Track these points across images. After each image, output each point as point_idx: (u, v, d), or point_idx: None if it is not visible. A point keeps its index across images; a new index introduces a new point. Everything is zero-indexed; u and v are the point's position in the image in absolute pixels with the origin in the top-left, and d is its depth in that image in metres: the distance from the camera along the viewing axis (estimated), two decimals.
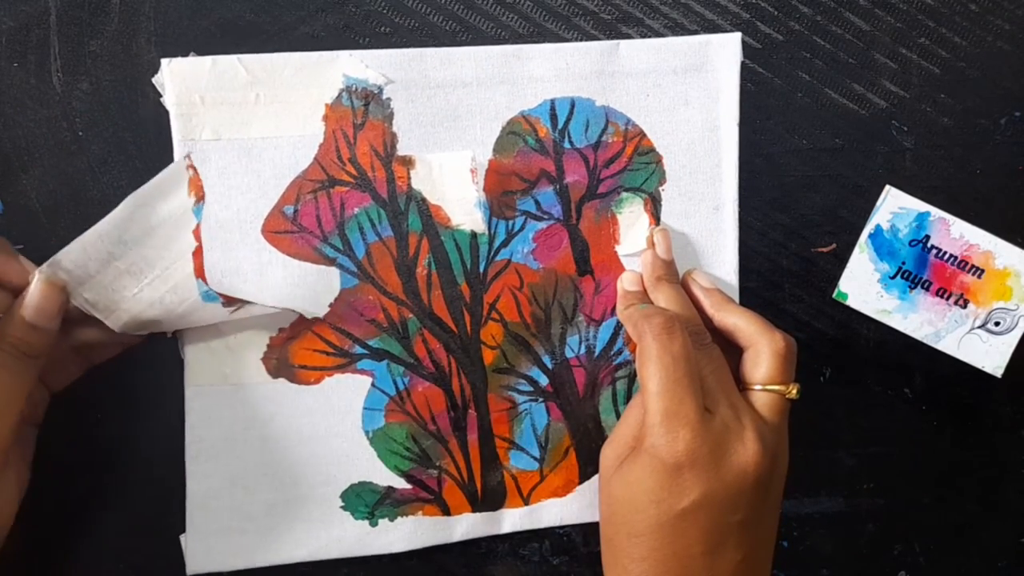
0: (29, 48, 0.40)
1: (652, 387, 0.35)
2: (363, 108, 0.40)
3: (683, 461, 0.34)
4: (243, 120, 0.39)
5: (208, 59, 0.39)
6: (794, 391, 0.37)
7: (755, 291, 0.43)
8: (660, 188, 0.42)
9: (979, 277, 0.43)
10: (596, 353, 0.42)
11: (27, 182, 0.40)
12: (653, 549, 0.35)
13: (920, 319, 0.43)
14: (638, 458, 0.35)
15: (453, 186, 0.41)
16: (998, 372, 0.43)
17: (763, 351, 0.37)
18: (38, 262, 0.41)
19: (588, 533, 0.43)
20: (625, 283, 0.42)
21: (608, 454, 0.38)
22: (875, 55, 0.43)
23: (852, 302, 0.43)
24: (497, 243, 0.41)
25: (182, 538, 0.40)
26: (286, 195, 0.40)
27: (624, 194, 0.42)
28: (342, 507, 0.41)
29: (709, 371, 0.37)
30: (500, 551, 0.43)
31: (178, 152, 0.39)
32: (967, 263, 0.43)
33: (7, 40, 0.39)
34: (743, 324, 0.39)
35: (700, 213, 0.42)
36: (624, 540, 0.36)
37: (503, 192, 0.41)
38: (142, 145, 0.40)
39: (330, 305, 0.40)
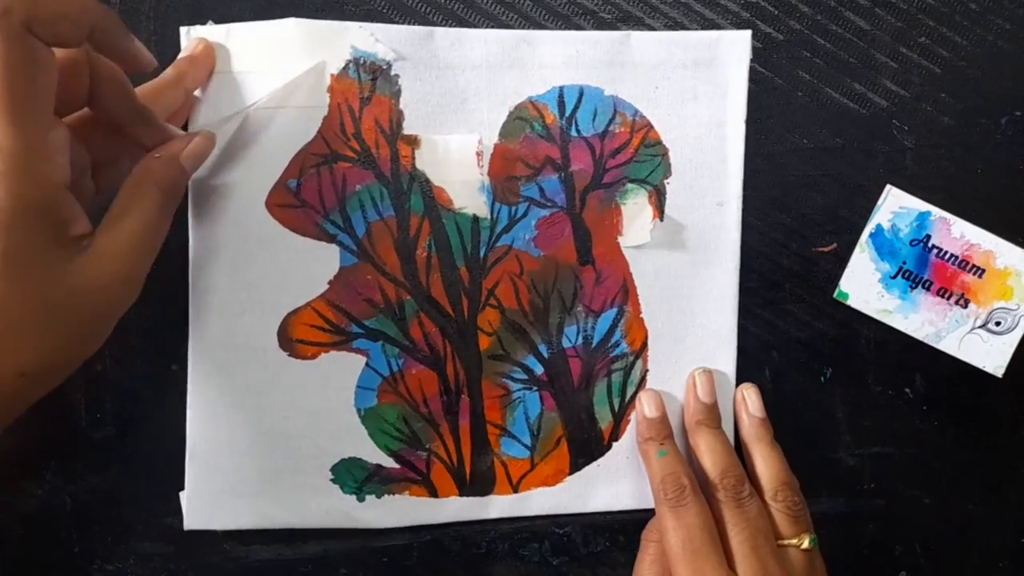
0: None
1: (672, 555, 0.37)
2: (370, 82, 0.40)
3: None
4: (250, 89, 0.39)
5: (222, 27, 0.39)
6: (806, 541, 0.38)
7: (756, 291, 0.43)
8: (665, 181, 0.42)
9: (980, 277, 0.43)
10: (593, 344, 0.42)
11: None
12: None
13: (921, 319, 0.43)
14: None
15: (458, 169, 0.40)
16: (999, 372, 0.43)
17: (771, 507, 0.39)
18: None
19: (588, 534, 0.43)
20: (645, 407, 0.42)
21: None
22: (876, 54, 0.43)
23: (853, 302, 0.43)
24: (499, 228, 0.41)
25: (182, 495, 0.40)
26: (290, 168, 0.40)
27: (629, 185, 0.42)
28: (332, 480, 0.41)
29: (736, 531, 0.38)
30: (500, 551, 0.43)
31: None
32: (968, 263, 0.43)
33: None
34: (760, 470, 0.40)
35: (703, 208, 0.42)
36: None
37: (507, 177, 0.41)
38: None
39: (329, 283, 0.40)
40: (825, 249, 0.43)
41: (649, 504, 0.42)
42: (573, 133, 0.41)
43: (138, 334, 0.40)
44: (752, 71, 0.42)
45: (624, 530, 0.43)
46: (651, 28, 0.42)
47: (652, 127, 0.42)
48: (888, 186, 0.43)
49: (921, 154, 0.43)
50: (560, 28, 0.42)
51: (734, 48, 0.42)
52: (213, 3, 0.40)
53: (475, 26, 0.41)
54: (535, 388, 0.42)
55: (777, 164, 0.43)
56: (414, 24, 0.41)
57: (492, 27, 0.41)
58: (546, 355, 0.42)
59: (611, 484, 0.42)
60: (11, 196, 0.28)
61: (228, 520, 0.40)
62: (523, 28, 0.41)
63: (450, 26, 0.41)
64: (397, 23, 0.41)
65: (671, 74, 0.42)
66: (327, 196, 0.40)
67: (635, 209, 0.42)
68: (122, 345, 0.40)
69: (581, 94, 0.41)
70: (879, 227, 0.43)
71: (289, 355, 0.40)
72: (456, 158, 0.40)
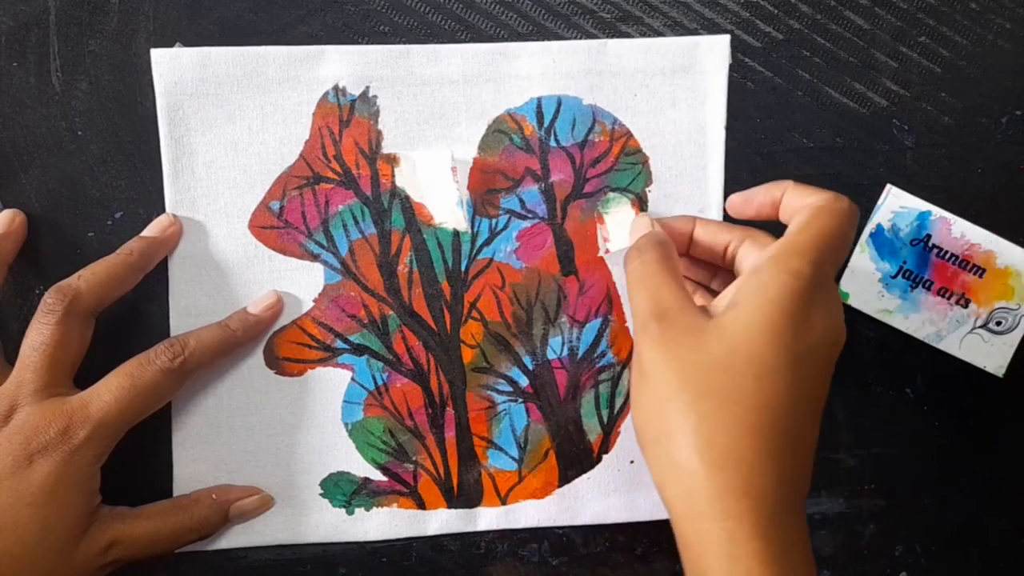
0: (28, 47, 0.40)
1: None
2: (349, 105, 0.40)
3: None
4: (229, 114, 0.40)
5: (195, 51, 0.39)
6: None
7: None
8: (646, 189, 0.42)
9: (980, 277, 0.43)
10: (579, 355, 0.42)
11: (26, 182, 0.40)
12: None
13: (921, 319, 0.43)
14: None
15: (435, 184, 0.41)
16: (1000, 372, 0.43)
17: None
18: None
19: (588, 534, 0.43)
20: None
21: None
22: (876, 54, 0.43)
23: (853, 302, 0.43)
24: (480, 242, 0.41)
25: None
26: (272, 191, 0.40)
27: (611, 194, 0.42)
28: (321, 494, 0.41)
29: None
30: (499, 551, 0.43)
31: (165, 144, 0.40)
32: (968, 262, 0.43)
33: (6, 39, 0.40)
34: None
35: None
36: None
37: (487, 190, 0.41)
38: (141, 144, 0.40)
39: (314, 300, 0.41)
40: None
41: (640, 517, 0.42)
42: (552, 143, 0.41)
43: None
44: (751, 70, 0.42)
45: (624, 530, 0.43)
46: (650, 28, 0.42)
47: (632, 135, 0.42)
48: (888, 186, 0.43)
49: (921, 153, 0.43)
50: (559, 27, 0.42)
51: (712, 54, 0.42)
52: (211, 3, 0.40)
53: (474, 25, 0.41)
54: (520, 400, 0.42)
55: (777, 164, 0.43)
56: (413, 23, 0.41)
57: (491, 26, 0.41)
58: (530, 367, 0.42)
59: (602, 498, 0.42)
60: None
61: (221, 539, 0.41)
62: (522, 27, 0.41)
63: (449, 25, 0.41)
64: (396, 22, 0.41)
65: (649, 81, 0.41)
66: (310, 216, 0.41)
67: (617, 218, 0.42)
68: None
69: (559, 104, 0.41)
70: (879, 227, 0.43)
71: (276, 373, 0.41)
72: (432, 174, 0.41)
